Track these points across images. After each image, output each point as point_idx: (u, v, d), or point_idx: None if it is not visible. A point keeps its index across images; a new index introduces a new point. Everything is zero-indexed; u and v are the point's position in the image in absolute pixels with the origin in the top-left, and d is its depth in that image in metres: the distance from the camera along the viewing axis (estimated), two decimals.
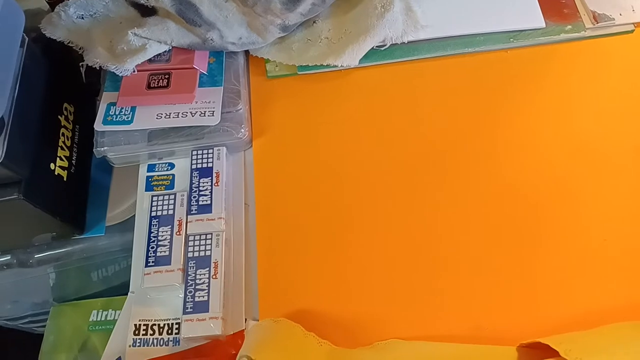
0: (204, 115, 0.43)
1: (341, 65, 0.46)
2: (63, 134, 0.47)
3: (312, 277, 0.39)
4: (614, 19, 0.47)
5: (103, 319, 0.58)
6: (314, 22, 0.48)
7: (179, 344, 0.36)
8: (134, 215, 0.46)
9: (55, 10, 0.46)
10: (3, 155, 0.38)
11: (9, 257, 0.50)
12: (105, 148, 0.43)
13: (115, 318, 0.56)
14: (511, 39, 0.47)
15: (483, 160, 0.42)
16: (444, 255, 0.39)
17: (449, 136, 0.44)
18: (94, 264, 0.55)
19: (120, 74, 0.43)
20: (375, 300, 0.37)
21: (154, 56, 0.45)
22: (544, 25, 0.47)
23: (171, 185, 0.43)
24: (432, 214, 0.40)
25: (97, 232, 0.48)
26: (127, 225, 0.48)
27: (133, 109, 0.43)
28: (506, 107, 0.45)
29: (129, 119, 0.43)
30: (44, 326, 0.59)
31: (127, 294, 0.41)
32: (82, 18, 0.46)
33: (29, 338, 0.68)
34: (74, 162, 0.48)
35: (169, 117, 0.43)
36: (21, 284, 0.57)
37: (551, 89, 0.45)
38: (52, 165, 0.45)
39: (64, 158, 0.46)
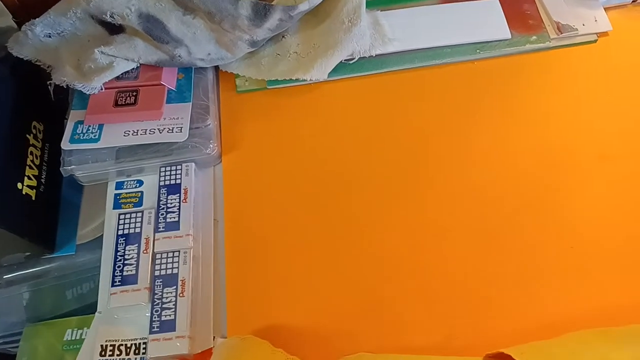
0: (172, 132, 0.43)
1: (310, 80, 0.46)
2: (32, 153, 0.47)
3: (280, 292, 0.38)
4: (577, 29, 0.48)
5: (77, 337, 0.57)
6: (282, 36, 0.48)
7: None
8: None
9: (22, 29, 0.46)
10: None
11: None
12: (73, 167, 0.42)
13: None
14: (478, 50, 0.48)
15: (453, 170, 0.43)
16: (413, 266, 0.39)
17: (419, 147, 0.44)
18: (68, 282, 0.54)
19: (88, 92, 0.43)
20: (344, 314, 0.37)
21: (121, 74, 0.44)
22: (509, 36, 0.48)
23: (140, 203, 0.43)
24: (402, 226, 0.40)
25: (67, 250, 0.48)
26: (99, 243, 0.47)
27: (100, 126, 0.43)
28: (475, 116, 0.45)
29: (96, 137, 0.43)
30: (16, 347, 0.58)
31: None
32: (50, 37, 0.46)
33: (4, 359, 0.67)
34: (43, 180, 0.47)
35: (137, 134, 0.43)
36: None
37: (518, 98, 0.46)
38: (19, 185, 0.44)
39: (32, 177, 0.46)
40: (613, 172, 0.42)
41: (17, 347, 0.65)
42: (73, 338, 0.57)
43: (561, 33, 0.48)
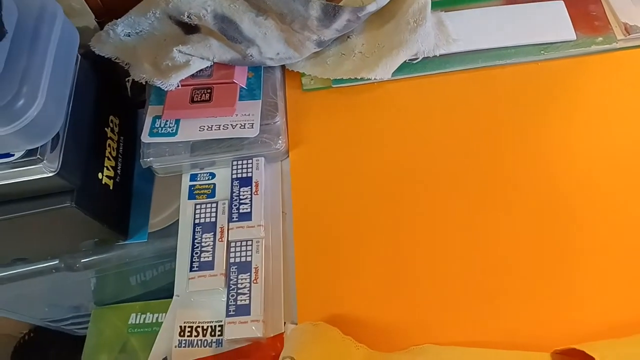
0: (244, 128, 0.45)
1: (374, 79, 0.47)
2: (109, 145, 0.50)
3: (348, 282, 0.40)
4: None
5: (141, 322, 0.60)
6: (348, 37, 0.50)
7: (221, 346, 0.38)
8: (175, 222, 0.48)
9: (105, 28, 0.49)
10: (59, 167, 0.40)
11: (57, 262, 0.53)
12: (151, 159, 0.45)
13: (153, 321, 0.59)
14: (542, 52, 0.48)
15: (516, 169, 0.43)
16: (478, 262, 0.39)
17: (481, 146, 0.45)
18: (133, 269, 0.57)
19: (166, 89, 0.46)
20: (411, 306, 0.38)
21: (196, 72, 0.47)
22: (574, 37, 0.48)
23: (212, 194, 0.45)
24: (469, 222, 0.41)
25: (140, 238, 0.51)
26: (168, 231, 0.50)
27: (177, 121, 0.46)
28: (538, 117, 0.46)
29: (174, 131, 0.45)
30: (85, 328, 0.62)
31: (164, 298, 0.43)
32: (129, 36, 0.49)
33: (70, 339, 0.71)
34: (119, 171, 0.50)
35: (211, 130, 0.45)
36: (61, 288, 0.60)
37: (583, 100, 0.46)
38: (99, 175, 0.47)
39: (110, 168, 0.49)
40: None
41: (82, 328, 0.70)
42: (137, 322, 0.61)
43: (629, 34, 0.47)
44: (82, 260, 0.53)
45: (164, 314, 0.41)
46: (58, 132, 0.41)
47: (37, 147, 0.39)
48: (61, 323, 0.67)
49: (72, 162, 0.42)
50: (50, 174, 0.40)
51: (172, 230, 0.48)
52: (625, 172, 0.42)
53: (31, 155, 0.39)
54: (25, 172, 0.39)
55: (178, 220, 0.47)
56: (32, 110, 0.37)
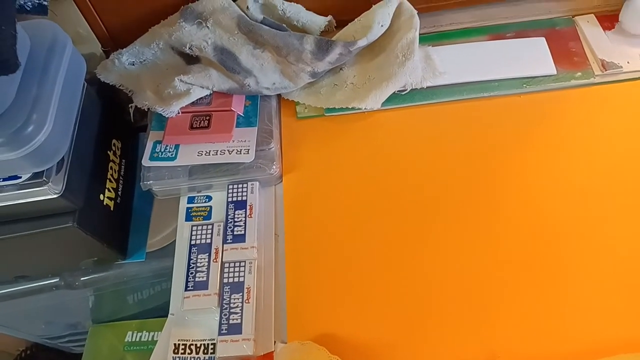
0: (240, 153, 0.47)
1: (365, 108, 0.50)
2: (111, 168, 0.52)
3: (337, 303, 0.42)
4: (621, 67, 0.50)
5: (137, 339, 0.61)
6: (340, 69, 0.52)
7: None
8: (172, 242, 0.50)
9: (110, 57, 0.52)
10: (64, 189, 0.43)
11: (57, 280, 0.54)
12: (151, 182, 0.47)
13: (149, 339, 0.60)
14: (524, 85, 0.50)
15: (502, 196, 0.45)
16: (459, 288, 0.41)
17: (467, 174, 0.47)
18: (130, 287, 0.59)
19: (167, 115, 0.48)
20: (395, 328, 0.40)
21: (196, 100, 0.49)
22: (555, 72, 0.51)
23: (208, 216, 0.47)
24: (455, 247, 0.43)
25: (138, 257, 0.53)
26: (165, 252, 0.52)
27: (177, 146, 0.48)
28: (521, 146, 0.48)
29: (173, 155, 0.47)
30: (82, 346, 0.63)
31: (160, 317, 0.44)
32: (133, 64, 0.52)
33: (67, 357, 0.72)
34: (119, 193, 0.53)
35: (209, 155, 0.47)
36: (60, 305, 0.61)
37: (563, 130, 0.48)
38: (101, 196, 0.49)
39: (111, 189, 0.51)
40: None
41: (78, 345, 0.71)
42: (133, 340, 0.62)
43: (605, 70, 0.50)
44: (82, 279, 0.54)
45: (159, 332, 0.43)
46: (63, 157, 0.44)
47: (44, 170, 0.41)
48: (58, 340, 0.69)
49: (75, 184, 0.44)
50: (55, 196, 0.42)
51: (169, 250, 0.50)
52: (604, 202, 0.44)
53: (37, 178, 0.41)
54: (31, 193, 0.41)
55: (175, 241, 0.48)
56: (40, 136, 0.39)
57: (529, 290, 0.41)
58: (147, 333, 0.61)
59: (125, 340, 0.61)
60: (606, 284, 0.40)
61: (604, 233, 0.43)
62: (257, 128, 0.49)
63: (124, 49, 0.51)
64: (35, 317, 0.62)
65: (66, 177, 0.43)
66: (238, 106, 0.50)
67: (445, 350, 0.39)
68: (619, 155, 0.46)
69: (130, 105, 0.52)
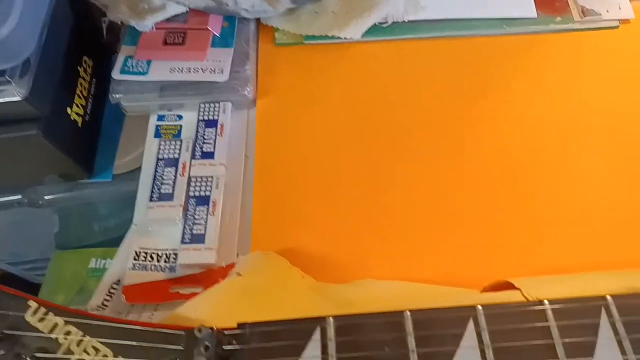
0: (214, 72, 0.46)
1: (344, 38, 0.49)
2: (81, 84, 0.50)
3: (301, 221, 0.42)
4: (600, 14, 0.50)
5: (101, 266, 0.60)
6: None
7: (175, 272, 0.39)
8: (139, 167, 0.49)
9: None
10: (28, 93, 0.41)
11: (20, 197, 0.53)
12: (120, 95, 0.46)
13: None
14: (504, 25, 0.50)
15: (471, 131, 0.46)
16: (422, 210, 0.42)
17: (444, 110, 0.47)
18: (96, 214, 0.58)
19: (140, 29, 0.47)
20: (357, 244, 0.40)
21: (171, 17, 0.48)
22: (535, 15, 0.51)
23: (178, 135, 0.46)
24: (416, 171, 0.43)
25: (104, 177, 0.52)
26: (132, 175, 0.51)
27: (149, 62, 0.47)
28: (498, 87, 0.48)
29: (145, 70, 0.46)
30: (43, 275, 0.63)
31: None
32: None
33: (28, 286, 0.71)
34: (88, 111, 0.51)
35: (182, 72, 0.46)
36: (24, 226, 0.60)
37: (539, 73, 0.49)
38: (69, 110, 0.48)
39: (80, 106, 0.50)
40: (621, 151, 0.44)
41: (40, 274, 0.69)
42: (97, 267, 0.61)
43: (585, 16, 0.50)
44: (46, 197, 0.53)
45: None
46: (29, 60, 0.42)
47: (6, 69, 0.40)
48: (21, 266, 0.68)
49: (41, 91, 0.43)
50: (19, 98, 0.41)
51: (136, 174, 0.49)
52: (571, 143, 0.45)
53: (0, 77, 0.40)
54: None
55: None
56: (3, 29, 0.37)
57: (496, 216, 0.41)
58: (112, 260, 0.60)
59: (89, 266, 0.60)
60: (574, 216, 0.41)
61: (574, 169, 0.43)
62: (233, 49, 0.48)
63: None
64: None
65: (32, 81, 0.42)
66: (215, 26, 0.48)
67: (402, 269, 0.39)
68: (593, 99, 0.47)
69: (103, 19, 0.50)
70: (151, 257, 0.40)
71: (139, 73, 0.46)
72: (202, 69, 0.46)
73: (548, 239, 0.40)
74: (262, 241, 0.41)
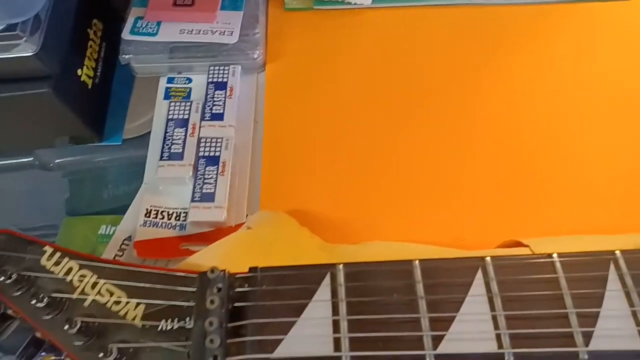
0: (223, 34, 0.46)
1: (355, 3, 0.49)
2: (91, 46, 0.50)
3: (310, 184, 0.42)
4: None
5: (111, 233, 0.61)
6: None
7: (184, 230, 0.40)
8: (148, 132, 0.50)
9: None
10: (39, 48, 0.41)
11: (31, 159, 0.54)
12: (130, 56, 0.46)
13: None
14: None
15: (480, 96, 0.45)
16: (430, 173, 0.42)
17: (451, 73, 0.47)
18: (105, 182, 0.58)
19: None
20: (366, 207, 0.40)
21: None
22: None
23: (187, 97, 0.47)
24: (424, 134, 0.43)
25: (114, 140, 0.52)
26: (142, 141, 0.51)
27: (159, 23, 0.47)
28: (508, 54, 0.48)
29: (155, 31, 0.46)
30: (53, 241, 0.63)
31: None
32: None
33: None
34: (98, 74, 0.51)
35: (191, 33, 0.46)
36: (34, 190, 0.61)
37: (550, 42, 0.48)
38: (79, 72, 0.48)
39: (90, 68, 0.50)
40: (631, 118, 0.44)
41: (50, 241, 0.70)
42: (107, 233, 0.62)
43: None
44: (56, 161, 0.54)
45: None
46: (40, 17, 0.42)
47: (17, 24, 0.40)
48: (31, 232, 0.68)
49: (52, 49, 0.43)
50: (30, 54, 0.41)
51: (145, 140, 0.49)
52: (575, 114, 0.44)
53: (11, 31, 0.40)
54: (3, 47, 0.40)
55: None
56: None
57: (505, 179, 0.41)
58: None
59: (99, 232, 0.61)
60: (583, 181, 0.41)
61: (584, 135, 0.43)
62: (242, 12, 0.48)
63: None
64: (9, 201, 0.61)
65: (42, 38, 0.42)
66: None
67: (411, 232, 0.40)
68: (604, 70, 0.47)
69: None
70: (162, 214, 0.41)
71: (149, 34, 0.46)
72: (211, 31, 0.46)
73: (557, 202, 0.40)
74: (271, 203, 0.42)
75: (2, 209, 0.64)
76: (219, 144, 0.42)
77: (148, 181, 0.42)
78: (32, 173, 0.55)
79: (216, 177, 0.41)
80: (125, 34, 0.46)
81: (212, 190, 0.40)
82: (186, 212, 0.41)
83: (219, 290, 0.26)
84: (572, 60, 0.47)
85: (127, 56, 0.46)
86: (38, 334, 0.29)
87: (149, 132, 0.49)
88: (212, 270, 0.27)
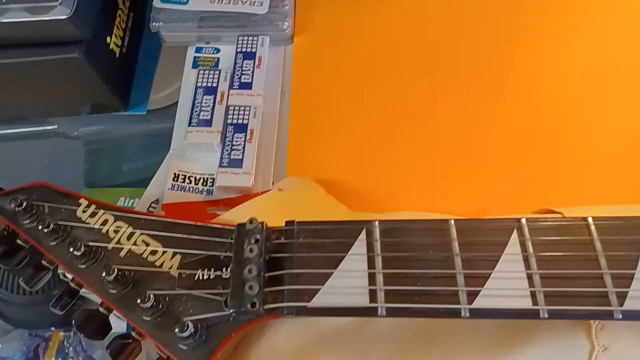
0: (253, 5, 0.46)
1: None
2: (119, 15, 0.51)
3: (336, 154, 0.42)
4: None
5: (130, 205, 0.62)
6: None
7: (211, 195, 0.40)
8: (174, 103, 0.50)
9: None
10: (73, 12, 0.42)
11: (55, 127, 0.54)
12: (160, 24, 0.46)
13: None
14: None
15: (508, 67, 0.45)
16: (456, 144, 0.42)
17: (479, 44, 0.47)
18: (126, 155, 0.59)
19: None
20: (391, 178, 0.41)
21: None
22: None
23: (216, 66, 0.47)
24: (451, 105, 0.43)
25: (139, 110, 0.52)
26: (166, 112, 0.51)
27: None
28: (534, 25, 0.47)
29: (185, 0, 0.46)
30: None
31: None
32: None
33: None
34: (125, 44, 0.52)
35: (222, 3, 0.46)
36: (56, 159, 0.61)
37: (574, 15, 0.47)
38: (108, 39, 0.48)
39: (118, 37, 0.50)
40: None
41: None
42: (126, 205, 0.62)
43: None
44: (81, 129, 0.54)
45: None
46: None
47: None
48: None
49: (84, 14, 0.43)
50: (64, 17, 0.41)
51: (170, 112, 0.50)
52: (603, 81, 0.44)
53: None
54: (40, 9, 0.40)
55: (177, 101, 0.48)
56: None
57: (527, 151, 0.41)
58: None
59: (117, 204, 0.62)
60: (613, 153, 0.41)
61: (615, 107, 0.43)
62: None
63: None
64: (30, 169, 0.61)
65: (76, 2, 0.42)
66: None
67: (435, 204, 0.40)
68: (634, 38, 0.46)
69: None
70: (189, 179, 0.41)
71: (179, 2, 0.46)
72: (241, 1, 0.46)
73: (585, 173, 0.40)
74: (296, 171, 0.42)
75: (23, 176, 0.65)
76: (247, 112, 0.43)
77: (176, 147, 0.43)
78: (54, 142, 0.55)
79: (244, 144, 0.41)
80: (157, 2, 0.46)
81: (240, 157, 0.40)
82: (213, 178, 0.41)
83: (257, 241, 0.26)
84: (604, 28, 0.47)
85: (157, 24, 0.46)
86: (73, 284, 0.30)
87: (173, 104, 0.50)
88: (251, 221, 0.27)
